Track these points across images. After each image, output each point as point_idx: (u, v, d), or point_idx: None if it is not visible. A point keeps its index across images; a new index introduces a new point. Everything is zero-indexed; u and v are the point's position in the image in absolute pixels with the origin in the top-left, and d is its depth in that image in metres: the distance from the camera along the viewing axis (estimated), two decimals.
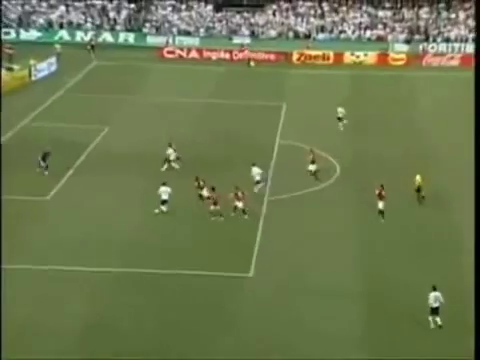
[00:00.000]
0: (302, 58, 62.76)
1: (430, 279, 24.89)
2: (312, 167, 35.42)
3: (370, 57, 62.29)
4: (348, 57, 62.27)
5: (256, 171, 34.16)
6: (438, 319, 23.60)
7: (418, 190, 32.73)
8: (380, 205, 31.21)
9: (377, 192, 31.44)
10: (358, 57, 62.19)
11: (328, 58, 62.40)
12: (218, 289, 25.61)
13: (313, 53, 62.90)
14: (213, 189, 31.29)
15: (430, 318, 23.70)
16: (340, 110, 44.09)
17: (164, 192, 31.28)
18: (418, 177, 33.02)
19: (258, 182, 33.95)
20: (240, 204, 31.03)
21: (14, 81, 51.23)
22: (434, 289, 23.80)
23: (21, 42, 63.03)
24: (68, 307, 24.18)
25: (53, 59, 56.95)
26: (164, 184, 31.54)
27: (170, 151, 36.05)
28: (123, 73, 56.40)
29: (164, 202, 31.28)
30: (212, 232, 30.01)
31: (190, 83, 54.36)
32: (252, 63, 60.87)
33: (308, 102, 49.11)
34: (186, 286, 25.73)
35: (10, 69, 52.53)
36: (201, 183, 32.40)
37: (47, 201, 32.50)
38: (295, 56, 62.92)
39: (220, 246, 28.83)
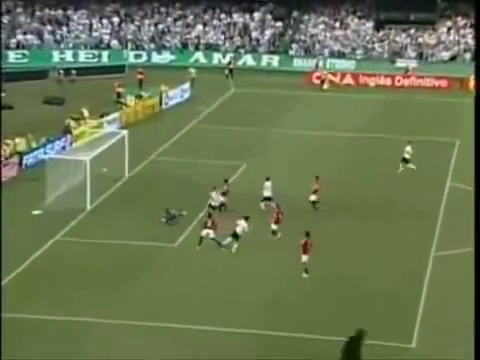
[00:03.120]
0: None
1: None
2: (313, 197, 36.51)
3: None
4: None
5: (268, 186, 36.37)
6: None
7: None
8: None
9: None
10: None
11: None
12: None
13: None
14: (307, 234, 30.63)
15: None
16: (408, 149, 42.36)
17: (239, 226, 32.29)
18: None
19: (267, 199, 36.05)
20: (274, 226, 33.48)
21: (143, 109, 53.54)
22: None
23: (152, 66, 65.88)
24: None
25: (186, 85, 59.04)
26: (246, 219, 32.69)
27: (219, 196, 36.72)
28: (265, 101, 57.48)
29: (235, 236, 32.19)
30: (364, 293, 29.68)
31: (343, 114, 54.53)
32: (326, 85, 60.24)
33: None
34: (332, 355, 25.51)
35: (139, 96, 54.97)
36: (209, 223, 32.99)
37: (174, 248, 33.41)
38: (473, 82, 61.68)
39: (374, 309, 28.43)
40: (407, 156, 42.50)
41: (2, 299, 26.80)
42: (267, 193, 36.69)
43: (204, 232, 32.89)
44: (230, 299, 28.86)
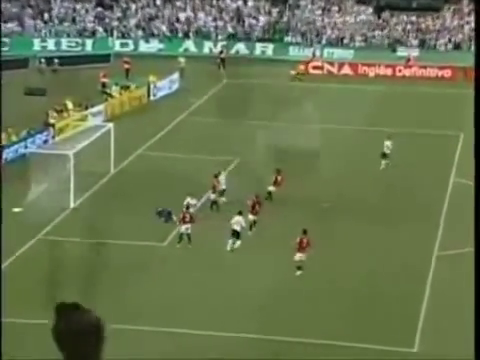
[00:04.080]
0: None
1: None
2: (272, 188, 37.55)
3: None
4: None
5: (222, 179, 37.67)
6: None
7: None
8: None
9: None
10: None
11: None
12: None
13: None
14: (305, 232, 31.01)
15: None
16: (387, 144, 42.57)
17: (236, 223, 32.44)
18: None
19: (222, 191, 37.25)
20: (252, 217, 34.15)
21: (130, 101, 53.57)
22: None
23: (140, 55, 65.83)
24: None
25: (175, 75, 59.10)
26: (240, 213, 32.78)
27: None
28: (258, 93, 57.48)
29: (236, 234, 32.28)
30: (364, 294, 29.86)
31: (341, 106, 54.67)
32: (293, 71, 60.76)
33: None
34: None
35: (126, 87, 55.00)
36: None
37: (164, 248, 33.55)
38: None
39: (375, 311, 28.61)
40: (387, 151, 42.54)
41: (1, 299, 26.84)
42: (222, 186, 37.62)
43: (183, 227, 33.13)
44: (223, 300, 29.01)
